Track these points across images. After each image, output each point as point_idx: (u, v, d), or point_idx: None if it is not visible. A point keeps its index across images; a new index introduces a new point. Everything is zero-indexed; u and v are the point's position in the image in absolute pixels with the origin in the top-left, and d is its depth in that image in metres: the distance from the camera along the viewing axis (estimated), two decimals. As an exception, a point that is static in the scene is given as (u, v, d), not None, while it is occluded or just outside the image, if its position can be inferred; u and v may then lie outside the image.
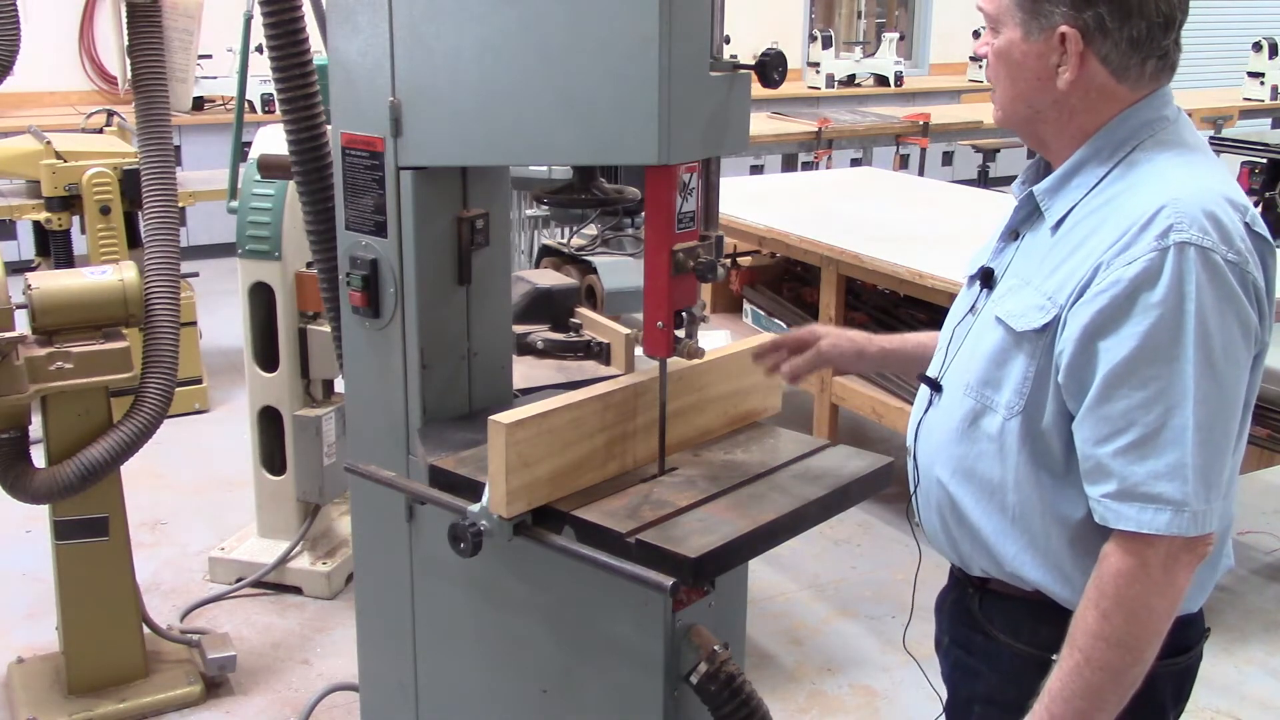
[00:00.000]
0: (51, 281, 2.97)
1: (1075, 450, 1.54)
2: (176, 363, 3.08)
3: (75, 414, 2.98)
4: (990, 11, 1.63)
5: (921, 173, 8.39)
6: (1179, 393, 1.45)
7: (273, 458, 3.93)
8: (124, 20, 3.16)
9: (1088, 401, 1.50)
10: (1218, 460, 1.48)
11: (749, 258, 5.25)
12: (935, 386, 1.74)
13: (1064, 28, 1.53)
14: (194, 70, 5.71)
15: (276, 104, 2.39)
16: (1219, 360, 1.46)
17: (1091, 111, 1.58)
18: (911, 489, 1.80)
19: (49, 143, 5.09)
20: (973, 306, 1.73)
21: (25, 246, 6.67)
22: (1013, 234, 1.71)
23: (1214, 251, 1.45)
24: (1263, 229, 1.54)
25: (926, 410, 1.76)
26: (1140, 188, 1.53)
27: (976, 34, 1.84)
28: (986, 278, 1.71)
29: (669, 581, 1.65)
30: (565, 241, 3.75)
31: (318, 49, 2.26)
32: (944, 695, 1.86)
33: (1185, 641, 1.66)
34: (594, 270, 3.38)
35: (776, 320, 4.89)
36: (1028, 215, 1.68)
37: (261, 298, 3.81)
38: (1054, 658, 1.57)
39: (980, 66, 1.81)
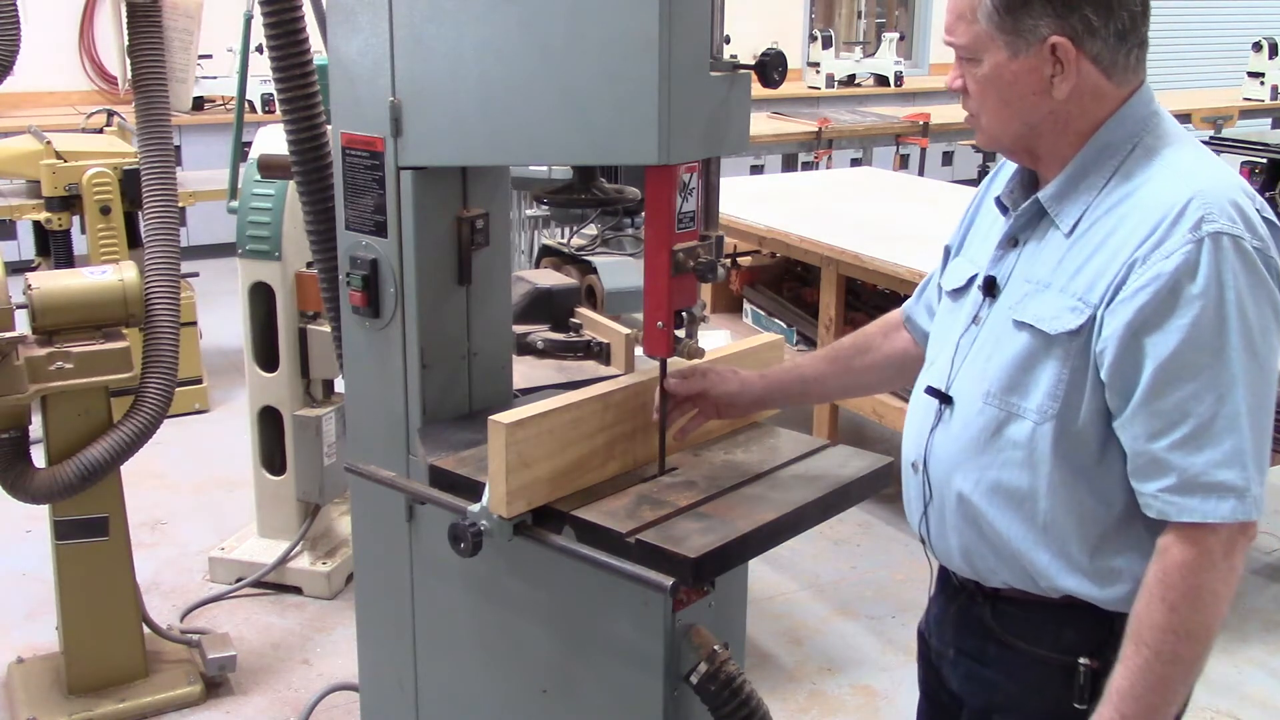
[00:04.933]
0: (51, 281, 2.97)
1: (1109, 449, 1.55)
2: (176, 363, 3.08)
3: (75, 414, 2.98)
4: (964, 43, 1.59)
5: (921, 173, 8.39)
6: (1228, 380, 1.46)
7: (273, 458, 3.93)
8: (124, 20, 3.16)
9: (1137, 398, 1.49)
10: (1265, 443, 1.50)
11: (749, 258, 5.25)
12: (944, 399, 1.70)
13: (1054, 39, 1.52)
14: (194, 70, 5.70)
15: (276, 104, 2.39)
16: (1259, 345, 1.48)
17: (1085, 115, 1.58)
18: (921, 508, 1.75)
19: (49, 143, 5.09)
20: (975, 316, 1.70)
21: (25, 246, 6.67)
22: (1011, 241, 1.68)
23: (1243, 239, 1.47)
24: (1272, 216, 1.57)
25: (936, 424, 1.72)
26: (1159, 182, 1.53)
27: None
28: (989, 286, 1.68)
29: (669, 581, 1.66)
30: (565, 241, 3.75)
31: (318, 49, 2.26)
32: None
33: None
34: (594, 270, 3.38)
35: (776, 320, 4.88)
36: (1028, 221, 1.65)
37: (261, 298, 3.81)
38: (1081, 662, 1.58)
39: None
